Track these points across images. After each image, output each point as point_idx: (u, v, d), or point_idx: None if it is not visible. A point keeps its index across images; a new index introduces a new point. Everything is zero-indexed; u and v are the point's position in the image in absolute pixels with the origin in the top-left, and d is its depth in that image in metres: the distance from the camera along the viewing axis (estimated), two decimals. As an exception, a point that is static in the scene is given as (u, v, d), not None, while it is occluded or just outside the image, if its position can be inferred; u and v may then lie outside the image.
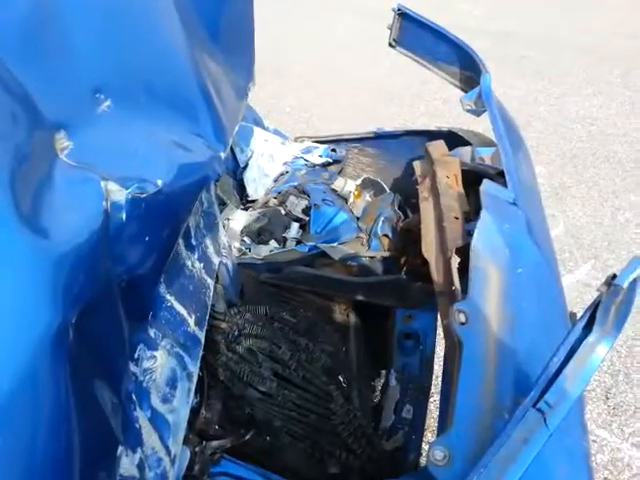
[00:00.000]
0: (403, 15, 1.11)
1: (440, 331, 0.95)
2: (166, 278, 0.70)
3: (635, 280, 0.56)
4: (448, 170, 0.96)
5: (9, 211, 0.42)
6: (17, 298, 0.40)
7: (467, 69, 1.10)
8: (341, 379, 0.93)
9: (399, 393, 1.04)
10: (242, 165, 1.17)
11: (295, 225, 1.08)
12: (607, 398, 1.49)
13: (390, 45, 1.18)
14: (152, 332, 0.64)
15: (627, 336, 1.65)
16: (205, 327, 0.76)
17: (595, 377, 1.55)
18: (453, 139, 1.10)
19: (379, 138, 1.29)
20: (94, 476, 0.45)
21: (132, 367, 0.58)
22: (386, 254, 1.04)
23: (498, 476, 0.54)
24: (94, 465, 0.45)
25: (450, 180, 0.92)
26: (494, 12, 4.82)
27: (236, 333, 0.83)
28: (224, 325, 0.84)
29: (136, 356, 0.59)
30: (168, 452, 0.58)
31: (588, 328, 0.59)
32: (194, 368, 0.68)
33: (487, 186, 0.79)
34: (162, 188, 0.60)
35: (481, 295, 0.68)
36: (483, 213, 0.75)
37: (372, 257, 1.05)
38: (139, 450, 0.54)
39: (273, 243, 1.05)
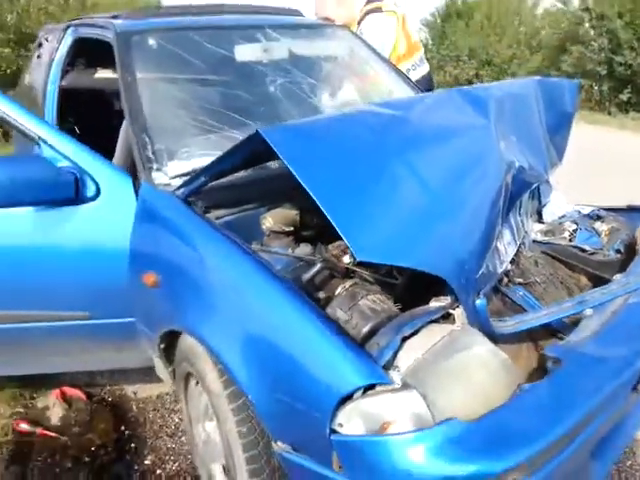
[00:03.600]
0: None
1: None
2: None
3: None
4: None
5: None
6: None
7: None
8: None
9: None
10: (543, 203, 2.17)
11: (567, 235, 2.03)
12: None
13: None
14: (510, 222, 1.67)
15: None
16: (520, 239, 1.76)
17: None
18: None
19: (630, 210, 2.16)
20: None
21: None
22: (614, 257, 1.90)
23: None
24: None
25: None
26: None
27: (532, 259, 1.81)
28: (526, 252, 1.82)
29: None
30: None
31: None
32: (517, 244, 1.69)
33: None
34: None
35: None
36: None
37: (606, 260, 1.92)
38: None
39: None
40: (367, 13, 3.03)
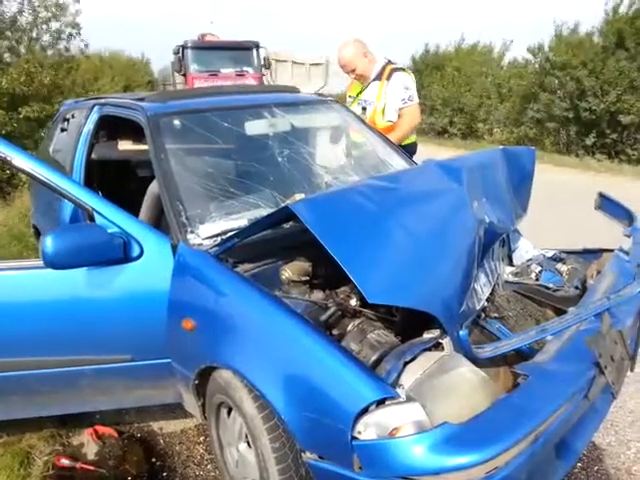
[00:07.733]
0: (601, 195, 2.45)
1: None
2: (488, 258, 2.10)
3: None
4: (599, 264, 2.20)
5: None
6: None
7: (631, 220, 2.34)
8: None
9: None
10: (512, 249, 2.55)
11: (533, 275, 2.39)
12: None
13: (595, 209, 2.50)
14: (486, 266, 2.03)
15: None
16: (494, 280, 2.11)
17: None
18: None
19: (585, 252, 2.55)
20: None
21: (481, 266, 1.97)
22: (573, 293, 2.27)
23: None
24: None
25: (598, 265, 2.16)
26: None
27: (505, 297, 2.16)
28: (500, 291, 2.18)
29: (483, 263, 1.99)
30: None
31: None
32: (491, 284, 2.04)
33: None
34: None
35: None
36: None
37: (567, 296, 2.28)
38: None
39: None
40: (394, 70, 3.50)
